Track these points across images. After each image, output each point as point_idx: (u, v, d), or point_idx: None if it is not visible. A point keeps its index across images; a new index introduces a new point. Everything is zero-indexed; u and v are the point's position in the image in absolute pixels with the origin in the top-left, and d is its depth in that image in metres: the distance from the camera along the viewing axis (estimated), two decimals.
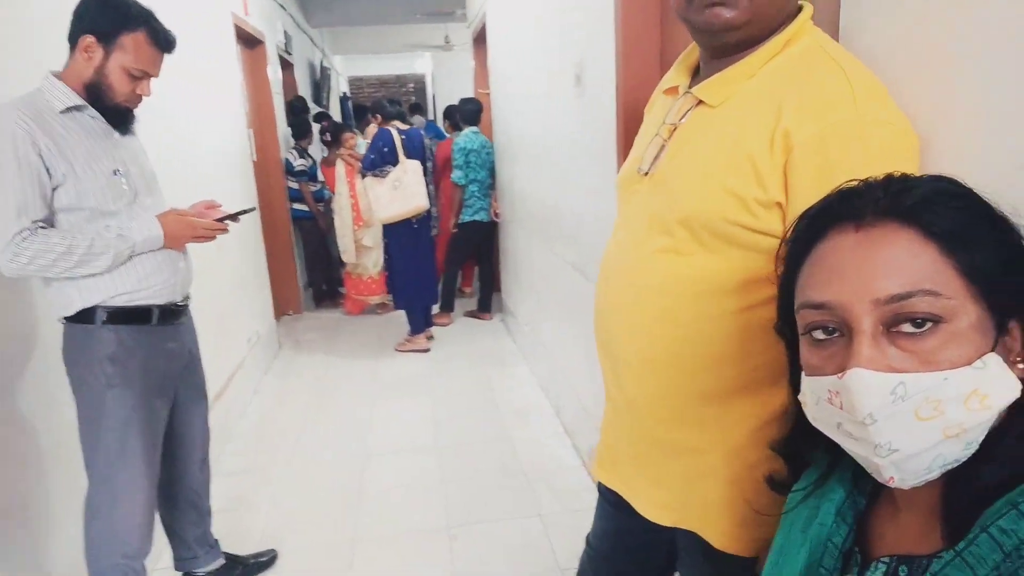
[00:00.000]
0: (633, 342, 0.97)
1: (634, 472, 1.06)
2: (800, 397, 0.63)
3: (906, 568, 0.58)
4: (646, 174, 0.97)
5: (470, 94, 5.23)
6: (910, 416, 0.53)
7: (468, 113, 4.50)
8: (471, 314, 4.79)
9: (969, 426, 0.52)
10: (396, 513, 2.41)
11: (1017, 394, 0.54)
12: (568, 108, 2.45)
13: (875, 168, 0.72)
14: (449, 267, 4.67)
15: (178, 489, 1.85)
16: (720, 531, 0.95)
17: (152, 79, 1.55)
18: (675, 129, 0.95)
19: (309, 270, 5.33)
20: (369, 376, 3.80)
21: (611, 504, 1.15)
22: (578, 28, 2.26)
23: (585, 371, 2.62)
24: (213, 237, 1.71)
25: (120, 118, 1.56)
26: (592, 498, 2.46)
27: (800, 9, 0.89)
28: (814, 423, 0.62)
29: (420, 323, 4.16)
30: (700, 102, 0.92)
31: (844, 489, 0.67)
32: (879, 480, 0.57)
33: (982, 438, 0.54)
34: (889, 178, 0.59)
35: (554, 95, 2.65)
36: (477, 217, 4.53)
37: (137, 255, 1.53)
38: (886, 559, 0.60)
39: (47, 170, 1.40)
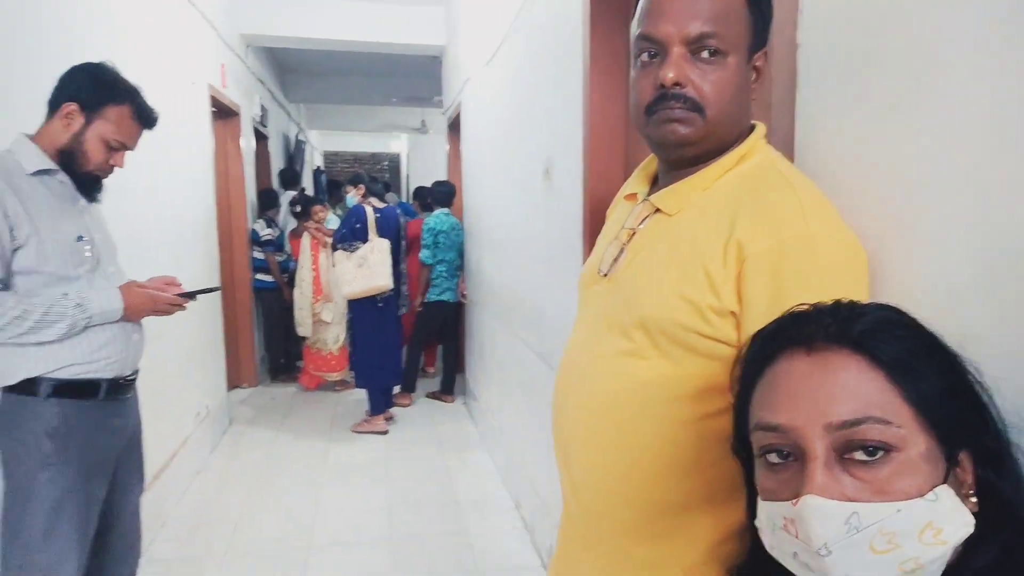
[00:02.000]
0: (588, 448, 0.96)
1: None
2: (756, 523, 0.62)
3: None
4: (605, 275, 0.99)
5: (443, 175, 5.35)
6: (865, 549, 0.52)
7: (441, 195, 4.58)
8: (433, 395, 4.71)
9: (925, 561, 0.52)
10: None
11: (971, 529, 0.53)
12: (536, 200, 2.52)
13: (825, 281, 0.74)
14: (413, 347, 4.63)
15: None
16: None
17: (127, 152, 1.56)
18: (633, 234, 0.98)
19: (267, 342, 5.22)
20: (320, 458, 3.66)
21: None
22: (547, 124, 2.35)
23: (545, 464, 2.56)
24: (171, 312, 1.67)
25: (89, 186, 1.55)
26: None
27: (753, 128, 0.94)
28: (771, 551, 0.60)
29: (380, 403, 4.06)
30: (658, 210, 0.95)
31: None
32: None
33: (940, 574, 0.53)
34: (837, 304, 0.61)
35: (523, 186, 2.72)
36: (444, 297, 4.53)
37: (91, 326, 1.48)
38: None
39: (10, 230, 1.37)
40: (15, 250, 1.40)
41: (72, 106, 1.48)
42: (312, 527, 2.86)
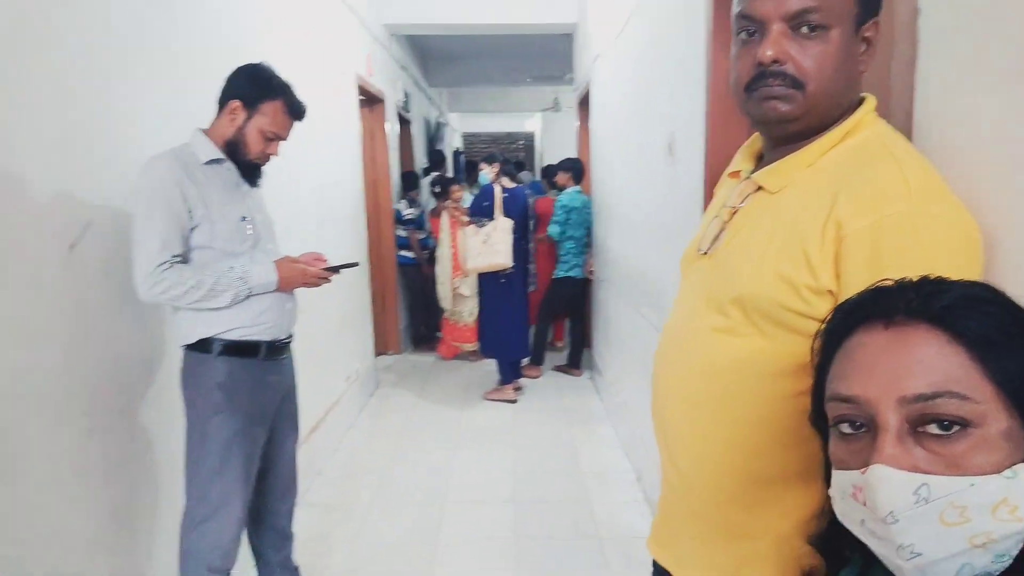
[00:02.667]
0: (687, 419, 0.99)
1: (684, 551, 1.05)
2: (830, 492, 0.63)
3: None
4: (705, 253, 1.01)
5: (574, 153, 5.39)
6: (934, 520, 0.52)
7: (572, 171, 4.64)
8: (560, 369, 4.83)
9: (998, 536, 0.51)
10: (469, 564, 2.45)
11: None
12: (658, 175, 2.50)
13: (928, 261, 0.72)
14: (541, 320, 4.75)
15: (263, 514, 1.99)
16: None
17: (281, 142, 1.77)
18: (735, 212, 0.99)
19: (409, 313, 5.58)
20: (455, 422, 3.90)
21: None
22: (671, 99, 2.33)
23: None
24: (319, 285, 1.88)
25: (251, 172, 1.78)
26: None
27: (862, 101, 0.91)
28: (841, 519, 0.61)
29: (509, 374, 4.24)
30: (760, 187, 0.95)
31: None
32: None
33: (1016, 551, 0.53)
34: (923, 279, 0.60)
35: (646, 162, 2.71)
36: (571, 273, 4.60)
37: (253, 296, 1.71)
38: None
39: (188, 212, 1.61)
40: (192, 229, 1.65)
41: (236, 103, 1.70)
42: (446, 484, 3.08)
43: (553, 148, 9.70)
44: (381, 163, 5.06)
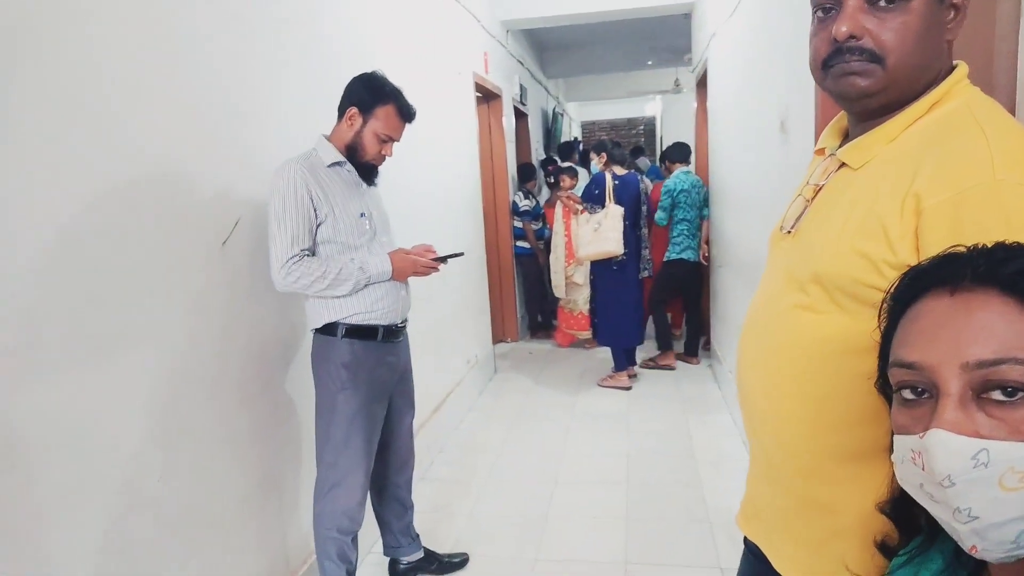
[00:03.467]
0: (768, 397, 1.00)
1: (771, 526, 1.07)
2: (892, 458, 0.64)
3: None
4: (789, 232, 1.01)
5: (693, 135, 5.26)
6: (993, 484, 0.52)
7: (675, 154, 4.58)
8: (678, 356, 4.76)
9: None
10: (577, 540, 2.52)
11: None
12: (772, 155, 2.43)
13: (1013, 234, 0.70)
14: (653, 305, 4.67)
15: (385, 484, 2.17)
16: None
17: (395, 143, 1.92)
18: (819, 189, 0.98)
19: (526, 302, 5.72)
20: (569, 406, 3.98)
21: (753, 554, 1.16)
22: (783, 76, 2.25)
23: None
24: (428, 273, 2.02)
25: (368, 172, 1.94)
26: None
27: (952, 70, 0.88)
28: (901, 483, 0.62)
29: (623, 361, 4.25)
30: (843, 164, 0.94)
31: (944, 559, 0.66)
32: (963, 548, 0.56)
33: None
34: (997, 245, 0.59)
35: (760, 141, 2.63)
36: (684, 255, 4.50)
37: (371, 284, 1.88)
38: None
39: (315, 210, 1.80)
40: (318, 225, 1.83)
41: (353, 110, 1.87)
42: (559, 465, 3.17)
43: (674, 131, 9.46)
44: (498, 156, 5.21)
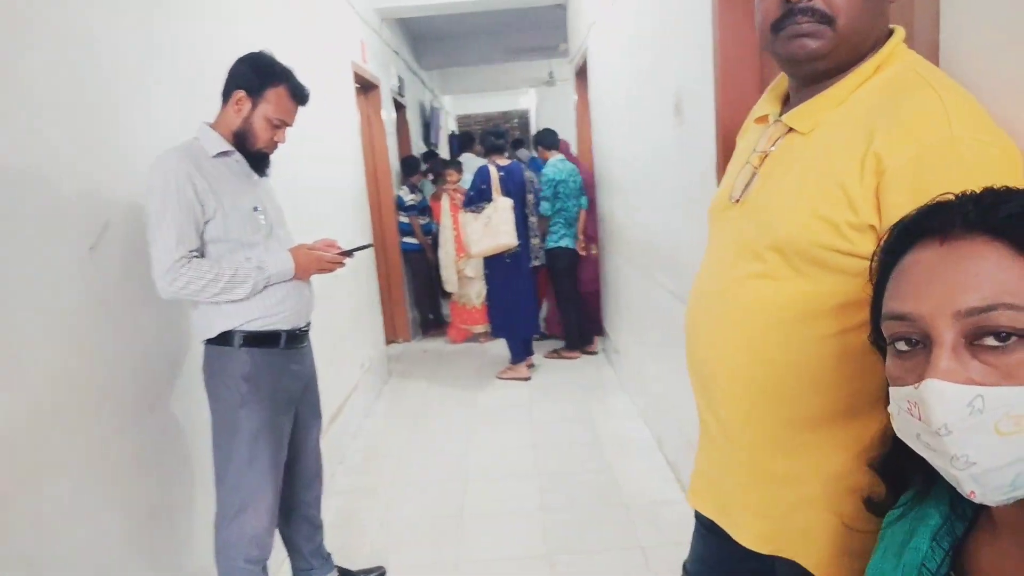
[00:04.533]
0: (725, 367, 0.98)
1: (730, 500, 1.05)
2: (889, 409, 0.63)
3: None
4: (737, 201, 0.99)
5: (572, 127, 5.32)
6: (989, 430, 0.52)
7: (545, 141, 4.56)
8: (555, 354, 4.63)
9: None
10: (497, 537, 2.46)
11: None
12: (667, 137, 2.47)
13: (976, 186, 0.71)
14: (560, 301, 4.58)
15: (294, 504, 1.99)
16: (821, 560, 0.93)
17: (288, 128, 1.74)
18: (765, 157, 0.97)
19: (416, 300, 5.57)
20: (470, 403, 3.91)
21: (708, 530, 1.15)
22: (675, 58, 2.29)
23: (690, 403, 2.57)
24: (334, 269, 1.87)
25: (259, 162, 1.76)
26: None
27: (891, 33, 0.89)
28: (899, 434, 0.61)
29: (520, 352, 4.24)
30: (790, 130, 0.94)
31: (940, 513, 0.66)
32: (962, 494, 0.56)
33: None
34: (986, 191, 0.58)
35: (653, 124, 2.68)
36: (562, 244, 4.39)
37: (271, 285, 1.70)
38: None
39: (201, 206, 1.60)
40: (206, 222, 1.63)
41: (240, 93, 1.68)
42: (467, 462, 3.10)
43: (548, 123, 9.61)
44: (379, 150, 5.02)
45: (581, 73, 4.78)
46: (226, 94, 1.71)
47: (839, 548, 0.92)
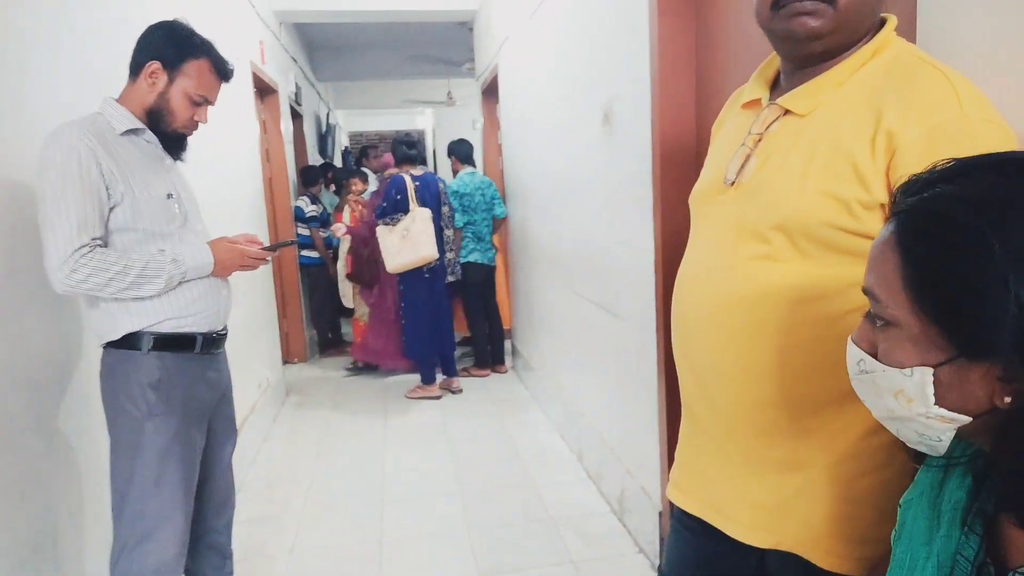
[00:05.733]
0: (726, 352, 0.95)
1: (722, 493, 1.02)
2: None
3: None
4: (732, 184, 0.97)
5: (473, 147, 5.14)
6: (871, 386, 0.64)
7: (460, 149, 4.43)
8: (484, 367, 4.54)
9: (899, 415, 0.61)
10: (423, 561, 2.32)
11: (949, 415, 0.57)
12: (594, 148, 2.49)
13: None
14: (469, 317, 4.45)
15: (201, 531, 1.76)
16: (825, 549, 0.91)
17: (209, 107, 1.57)
18: (760, 139, 0.96)
19: (314, 317, 5.28)
20: (380, 423, 3.72)
21: (689, 530, 1.11)
22: (606, 67, 2.32)
23: (612, 413, 2.57)
24: (256, 267, 1.70)
25: (175, 144, 1.57)
26: (624, 544, 2.39)
27: (883, 21, 0.91)
28: None
29: (431, 374, 4.07)
30: (787, 112, 0.93)
31: (967, 494, 0.64)
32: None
33: (944, 439, 0.59)
34: (933, 171, 0.60)
35: (578, 137, 2.69)
36: (471, 259, 4.32)
37: (186, 281, 1.51)
38: (1023, 569, 0.56)
39: (107, 189, 1.40)
40: (112, 208, 1.43)
41: (155, 64, 1.50)
42: (382, 484, 2.92)
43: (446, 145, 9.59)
44: (277, 157, 4.76)
45: (489, 90, 4.78)
46: (136, 66, 1.51)
47: (844, 535, 0.90)
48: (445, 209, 4.07)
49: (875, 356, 0.62)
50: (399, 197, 3.86)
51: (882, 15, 0.92)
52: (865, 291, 0.63)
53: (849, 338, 0.66)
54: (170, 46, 1.51)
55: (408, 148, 3.99)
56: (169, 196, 1.52)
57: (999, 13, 0.88)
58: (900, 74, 0.85)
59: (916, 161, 0.79)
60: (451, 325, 4.14)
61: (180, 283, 1.51)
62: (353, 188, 4.79)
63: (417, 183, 3.91)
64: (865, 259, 0.85)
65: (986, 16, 0.90)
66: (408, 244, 3.72)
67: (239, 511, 2.68)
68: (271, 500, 2.83)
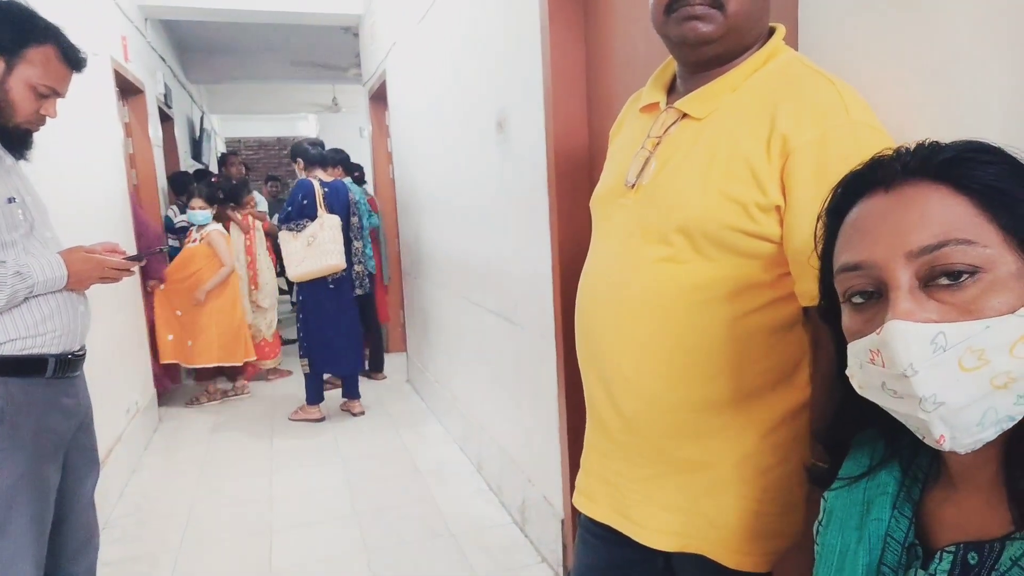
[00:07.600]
0: (630, 355, 0.95)
1: (630, 498, 1.01)
2: (848, 372, 0.61)
3: (976, 555, 0.55)
4: (632, 187, 0.97)
5: (358, 156, 4.99)
6: (953, 366, 0.52)
7: (333, 160, 4.22)
8: (363, 374, 4.38)
9: (1018, 375, 0.51)
10: None
11: None
12: (488, 157, 2.47)
13: None
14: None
15: None
16: (731, 548, 0.92)
17: (59, 100, 1.40)
18: (659, 142, 0.96)
19: None
20: (265, 446, 3.49)
21: (597, 537, 1.09)
22: (498, 74, 2.31)
23: (512, 422, 2.55)
24: (119, 279, 1.53)
25: (18, 141, 1.38)
26: (527, 555, 2.37)
27: (773, 30, 0.95)
28: (862, 392, 0.60)
29: (318, 394, 3.83)
30: (684, 115, 0.94)
31: (895, 480, 0.65)
32: (930, 444, 0.55)
33: None
34: (919, 144, 0.60)
35: (471, 145, 2.66)
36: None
37: (34, 296, 1.33)
38: (951, 548, 0.57)
39: None
40: None
41: None
42: (270, 512, 2.73)
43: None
44: (144, 163, 4.39)
45: (377, 96, 4.66)
46: None
47: (750, 532, 0.92)
48: (354, 220, 3.91)
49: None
50: (305, 202, 3.62)
51: (771, 24, 0.95)
52: (871, 266, 0.56)
53: (891, 327, 0.53)
54: (7, 30, 1.32)
55: (313, 148, 3.79)
56: (11, 200, 1.34)
57: (868, 26, 0.93)
58: (791, 81, 0.88)
59: (809, 163, 0.82)
60: (359, 341, 3.91)
61: (27, 299, 1.33)
62: (249, 204, 4.54)
63: (326, 189, 3.70)
64: (760, 261, 0.87)
65: (856, 29, 0.95)
66: (313, 252, 3.50)
67: (104, 552, 2.41)
68: (142, 538, 2.58)
